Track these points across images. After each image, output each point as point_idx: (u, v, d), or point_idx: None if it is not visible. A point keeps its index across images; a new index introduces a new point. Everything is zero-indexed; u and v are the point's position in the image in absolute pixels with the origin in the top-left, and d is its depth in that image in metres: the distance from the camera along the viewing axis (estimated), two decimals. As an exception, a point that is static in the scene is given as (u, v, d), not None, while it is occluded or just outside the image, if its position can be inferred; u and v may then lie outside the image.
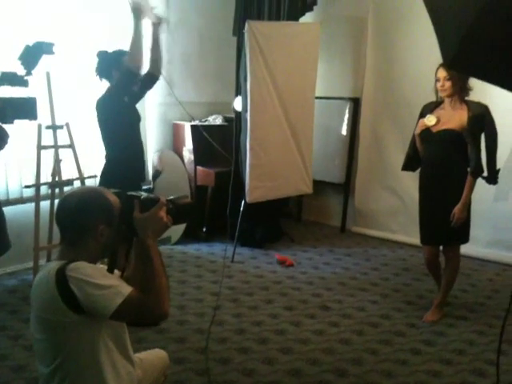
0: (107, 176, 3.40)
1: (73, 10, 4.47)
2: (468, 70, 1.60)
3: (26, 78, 2.68)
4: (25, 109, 2.36)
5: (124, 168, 3.34)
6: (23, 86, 2.68)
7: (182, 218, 1.78)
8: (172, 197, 1.76)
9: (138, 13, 3.18)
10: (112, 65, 3.32)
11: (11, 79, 2.45)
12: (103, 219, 1.66)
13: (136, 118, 3.52)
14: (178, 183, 5.27)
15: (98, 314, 1.55)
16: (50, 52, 2.94)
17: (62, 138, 4.03)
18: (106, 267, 1.74)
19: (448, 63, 1.43)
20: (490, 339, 3.31)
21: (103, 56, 3.38)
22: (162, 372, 2.07)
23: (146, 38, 3.41)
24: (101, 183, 3.46)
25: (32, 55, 2.90)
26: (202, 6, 5.56)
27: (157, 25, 3.40)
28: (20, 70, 2.78)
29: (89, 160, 4.63)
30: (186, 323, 3.48)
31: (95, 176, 4.36)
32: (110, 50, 3.41)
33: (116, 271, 1.77)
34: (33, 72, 2.89)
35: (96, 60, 3.37)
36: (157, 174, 4.57)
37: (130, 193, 1.73)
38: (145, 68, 3.41)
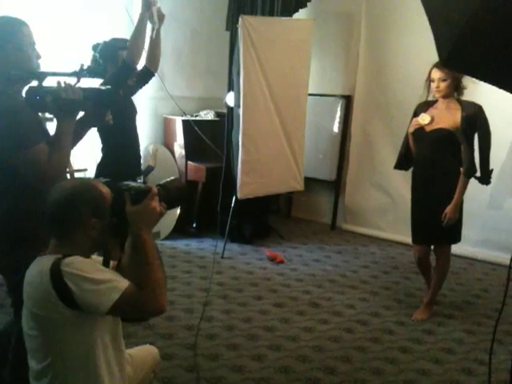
0: (103, 167, 3.36)
1: (73, 10, 4.44)
2: (462, 68, 1.63)
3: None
4: (103, 99, 2.33)
5: (120, 161, 3.30)
6: (100, 77, 2.84)
7: (175, 202, 1.75)
8: (163, 181, 1.72)
9: (147, 3, 3.11)
10: (110, 55, 3.28)
11: (90, 71, 2.46)
12: (95, 212, 1.61)
13: (132, 111, 3.48)
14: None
15: (94, 310, 1.51)
16: (124, 48, 3.19)
17: (51, 129, 3.97)
18: (101, 259, 1.70)
19: (443, 61, 1.47)
20: (478, 338, 3.33)
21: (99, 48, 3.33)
22: (152, 369, 2.04)
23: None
24: (96, 175, 3.42)
25: (109, 51, 3.23)
26: (195, 0, 5.52)
27: (160, 21, 3.32)
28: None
29: (78, 153, 4.57)
30: (175, 319, 3.46)
31: (85, 169, 4.30)
32: (106, 39, 3.35)
33: (111, 262, 1.72)
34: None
35: (91, 53, 3.31)
36: (149, 169, 4.52)
37: (119, 183, 1.68)
38: (141, 63, 3.35)
